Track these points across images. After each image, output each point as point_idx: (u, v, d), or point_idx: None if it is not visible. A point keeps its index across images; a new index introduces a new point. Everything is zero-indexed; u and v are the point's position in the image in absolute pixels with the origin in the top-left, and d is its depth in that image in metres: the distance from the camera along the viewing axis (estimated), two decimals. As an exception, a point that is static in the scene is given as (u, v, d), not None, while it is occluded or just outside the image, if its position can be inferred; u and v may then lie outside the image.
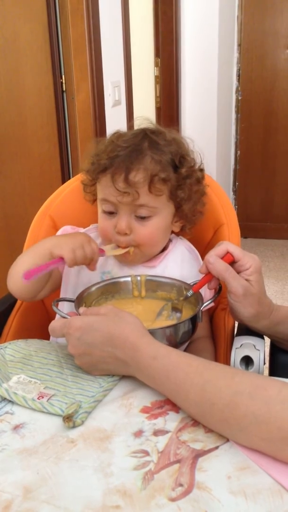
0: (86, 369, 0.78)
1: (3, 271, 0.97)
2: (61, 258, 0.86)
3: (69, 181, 1.18)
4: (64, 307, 0.98)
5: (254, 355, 0.85)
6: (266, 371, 0.92)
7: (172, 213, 0.97)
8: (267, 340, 0.94)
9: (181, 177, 0.93)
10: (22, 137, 1.88)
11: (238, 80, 3.50)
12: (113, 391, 0.75)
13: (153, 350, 0.71)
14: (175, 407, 0.70)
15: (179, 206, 0.96)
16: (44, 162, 1.99)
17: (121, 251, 0.93)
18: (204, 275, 0.87)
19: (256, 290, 0.85)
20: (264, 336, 0.92)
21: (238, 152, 3.65)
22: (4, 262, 1.11)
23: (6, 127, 1.79)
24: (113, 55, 2.11)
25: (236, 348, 0.87)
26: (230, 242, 0.87)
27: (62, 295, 1.01)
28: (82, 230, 1.05)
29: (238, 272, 0.85)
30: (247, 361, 0.86)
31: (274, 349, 0.96)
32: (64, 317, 0.82)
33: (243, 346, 0.87)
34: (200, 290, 0.91)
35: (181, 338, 0.85)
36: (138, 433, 0.66)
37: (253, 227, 3.69)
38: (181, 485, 0.57)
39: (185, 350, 0.99)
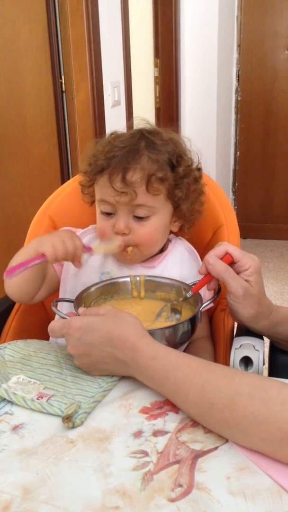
0: (86, 370, 0.78)
1: (3, 271, 0.97)
2: (43, 255, 0.86)
3: (68, 181, 1.18)
4: (63, 308, 0.98)
5: (253, 356, 0.85)
6: (266, 372, 0.92)
7: (170, 213, 0.97)
8: (267, 341, 0.94)
9: (178, 176, 0.94)
10: (22, 137, 1.88)
11: (238, 81, 3.50)
12: (112, 391, 0.75)
13: (153, 351, 0.71)
14: (175, 408, 0.70)
15: (177, 205, 0.96)
16: (44, 162, 1.99)
17: (110, 248, 0.92)
18: (203, 276, 0.87)
19: (255, 290, 0.85)
20: (264, 336, 0.92)
21: (238, 152, 3.65)
22: (3, 262, 1.11)
23: (5, 127, 1.79)
24: (112, 55, 2.11)
25: (236, 349, 0.87)
26: (229, 243, 0.87)
27: (60, 296, 1.01)
28: (80, 231, 1.05)
29: (238, 273, 0.85)
30: (246, 361, 0.86)
31: (274, 349, 0.96)
32: (63, 318, 0.82)
33: (243, 346, 0.87)
34: (199, 291, 0.91)
35: (180, 339, 0.85)
36: (138, 434, 0.66)
37: (252, 227, 3.69)
38: (180, 485, 0.57)
39: (185, 351, 0.99)
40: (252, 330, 0.90)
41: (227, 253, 0.85)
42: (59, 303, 0.97)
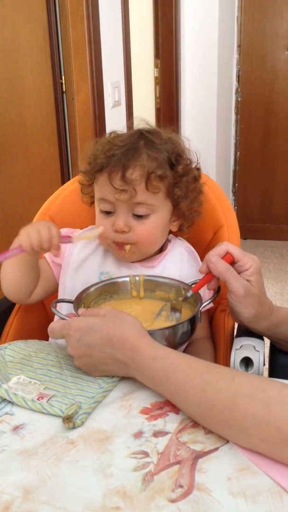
0: (86, 370, 0.78)
1: (3, 271, 0.97)
2: (21, 246, 0.86)
3: (69, 182, 1.18)
4: (63, 308, 0.98)
5: (254, 356, 0.85)
6: (266, 373, 0.92)
7: (169, 211, 0.97)
8: (267, 341, 0.94)
9: (177, 175, 0.94)
10: (22, 137, 1.88)
11: (238, 81, 3.50)
12: (113, 392, 0.75)
13: (153, 351, 0.71)
14: (175, 408, 0.70)
15: (176, 204, 0.96)
16: (44, 162, 1.99)
17: (89, 236, 0.91)
18: (204, 275, 0.87)
19: (256, 290, 0.85)
20: (264, 337, 0.92)
21: (238, 153, 3.65)
22: (3, 263, 1.11)
23: (6, 127, 1.79)
24: (113, 56, 2.12)
25: (236, 349, 0.87)
26: (230, 243, 0.87)
27: (60, 296, 1.01)
28: (79, 231, 1.05)
29: (238, 273, 0.85)
30: (246, 362, 0.86)
31: (274, 350, 0.96)
32: (63, 319, 0.82)
33: (243, 347, 0.87)
34: (199, 291, 0.91)
35: (180, 339, 0.85)
36: (138, 434, 0.66)
37: (252, 228, 3.69)
38: (181, 486, 0.57)
39: (185, 351, 0.99)
40: (253, 331, 0.90)
41: (227, 252, 0.85)
42: (58, 304, 0.97)
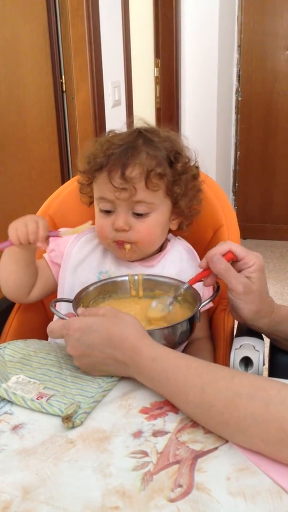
0: (85, 370, 0.78)
1: (3, 271, 0.97)
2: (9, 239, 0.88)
3: (69, 181, 1.18)
4: (62, 308, 0.98)
5: (253, 356, 0.85)
6: (266, 372, 0.92)
7: (169, 210, 0.97)
8: (267, 341, 0.94)
9: (176, 172, 0.94)
10: (22, 137, 1.88)
11: (238, 81, 3.50)
12: (112, 391, 0.75)
13: (153, 352, 0.71)
14: (175, 408, 0.70)
15: (175, 202, 0.96)
16: (44, 162, 1.99)
17: (79, 230, 0.91)
18: (202, 270, 0.87)
19: (256, 286, 0.85)
20: (264, 337, 0.92)
21: (238, 153, 3.65)
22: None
23: (6, 127, 1.79)
24: (113, 55, 2.11)
25: (236, 349, 0.87)
26: (233, 243, 0.88)
27: (59, 295, 1.01)
28: None
29: (241, 270, 0.86)
30: (246, 362, 0.86)
31: (274, 350, 0.96)
32: (62, 318, 0.82)
33: (243, 347, 0.87)
34: (198, 290, 0.91)
35: (179, 338, 0.85)
36: (137, 434, 0.66)
37: (252, 228, 3.69)
38: (180, 486, 0.57)
39: (184, 351, 0.99)
40: (254, 328, 0.90)
41: (229, 250, 0.85)
42: (57, 303, 0.97)
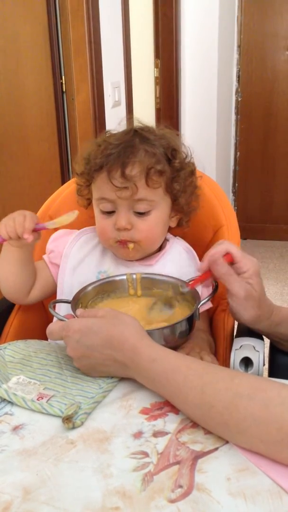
0: (85, 371, 0.78)
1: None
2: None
3: (69, 182, 1.18)
4: (61, 309, 0.98)
5: (253, 357, 0.85)
6: (266, 373, 0.92)
7: (169, 207, 0.97)
8: (267, 342, 0.94)
9: (175, 169, 0.95)
10: (22, 138, 1.88)
11: (238, 82, 3.50)
12: (112, 392, 0.75)
13: (153, 353, 0.71)
14: (175, 409, 0.70)
15: (175, 199, 0.97)
16: (44, 163, 1.99)
17: (66, 221, 0.90)
18: (201, 273, 0.87)
19: (257, 293, 0.85)
20: (264, 337, 0.92)
21: (238, 153, 3.65)
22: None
23: (6, 128, 1.79)
24: (113, 56, 2.12)
25: (236, 350, 0.87)
26: (230, 243, 0.87)
27: (58, 296, 1.01)
28: (76, 232, 1.05)
29: (238, 273, 0.85)
30: (246, 362, 0.86)
31: (274, 350, 0.96)
32: (61, 320, 0.82)
33: (243, 347, 0.87)
34: (197, 289, 0.91)
35: (179, 338, 0.85)
36: (138, 434, 0.66)
37: (252, 228, 3.69)
38: (180, 486, 0.57)
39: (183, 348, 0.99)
40: (253, 330, 0.90)
41: (227, 252, 0.85)
42: (57, 304, 0.97)
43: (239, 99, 3.53)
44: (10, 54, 1.77)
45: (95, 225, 1.01)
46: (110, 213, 0.94)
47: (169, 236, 1.05)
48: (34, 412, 0.71)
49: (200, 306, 0.88)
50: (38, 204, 1.16)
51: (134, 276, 0.96)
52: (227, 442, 0.64)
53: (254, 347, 0.87)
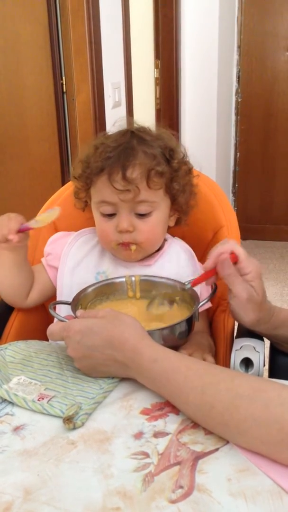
0: (86, 372, 0.78)
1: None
2: None
3: (69, 183, 1.17)
4: (61, 310, 0.98)
5: (254, 357, 0.85)
6: (266, 373, 0.93)
7: (168, 207, 0.98)
8: (267, 342, 0.94)
9: (173, 169, 0.95)
10: (22, 138, 1.88)
11: (238, 82, 3.50)
12: (113, 392, 0.75)
13: (153, 353, 0.71)
14: (175, 409, 0.70)
15: (174, 198, 0.97)
16: (44, 163, 2.00)
17: (49, 219, 0.90)
18: (206, 271, 0.87)
19: (259, 296, 0.84)
20: (264, 338, 0.92)
21: (238, 154, 3.65)
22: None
23: (6, 128, 1.79)
24: (113, 56, 2.12)
25: (236, 350, 0.87)
26: (235, 242, 0.86)
27: (58, 297, 1.01)
28: (74, 233, 1.05)
29: (240, 273, 0.85)
30: (246, 363, 0.86)
31: (274, 351, 0.96)
32: (61, 321, 0.82)
33: (243, 348, 0.87)
34: (196, 289, 0.91)
35: (178, 338, 0.85)
36: (138, 435, 0.66)
37: (252, 229, 3.69)
38: (181, 487, 0.57)
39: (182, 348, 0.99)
40: (253, 332, 0.90)
41: (232, 252, 0.84)
42: (58, 305, 0.97)
43: (239, 100, 3.53)
44: (10, 54, 1.77)
45: (93, 226, 1.01)
46: (110, 215, 0.94)
47: (168, 236, 1.06)
48: (35, 412, 0.71)
49: (200, 306, 0.88)
50: (38, 204, 1.16)
51: (133, 278, 0.96)
52: (227, 442, 0.64)
53: (254, 348, 0.87)
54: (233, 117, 3.58)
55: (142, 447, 0.64)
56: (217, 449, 0.63)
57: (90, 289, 0.94)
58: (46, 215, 0.90)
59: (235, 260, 0.84)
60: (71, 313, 0.85)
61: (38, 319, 1.12)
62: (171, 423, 0.68)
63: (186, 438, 0.65)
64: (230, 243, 0.85)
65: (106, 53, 2.01)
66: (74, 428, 0.67)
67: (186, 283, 0.90)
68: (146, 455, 0.62)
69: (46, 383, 0.77)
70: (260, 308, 0.85)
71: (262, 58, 3.42)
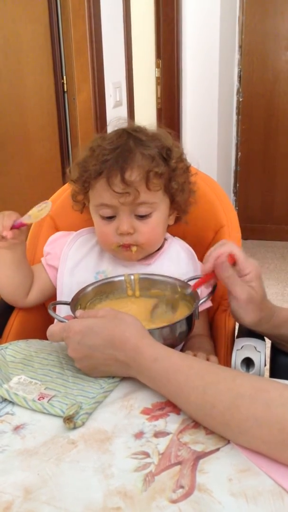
0: (87, 372, 0.77)
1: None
2: None
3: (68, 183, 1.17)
4: (62, 310, 0.98)
5: (255, 357, 0.85)
6: (267, 373, 0.92)
7: (168, 206, 0.97)
8: (268, 342, 0.94)
9: (171, 169, 0.94)
10: (23, 138, 1.88)
11: (239, 82, 3.50)
12: (113, 392, 0.75)
13: (154, 352, 0.71)
14: (176, 409, 0.70)
15: (173, 197, 0.96)
16: (45, 163, 2.00)
17: (42, 215, 0.90)
18: (205, 273, 0.87)
19: (258, 297, 0.84)
20: (265, 337, 0.92)
21: (239, 153, 3.65)
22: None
23: (7, 127, 1.79)
24: (114, 56, 2.12)
25: (237, 350, 0.87)
26: (234, 244, 0.87)
27: (58, 297, 1.01)
28: (73, 233, 1.05)
29: (239, 275, 0.85)
30: (247, 363, 0.86)
31: (275, 350, 0.96)
32: (61, 321, 0.82)
33: (244, 348, 0.87)
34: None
35: (178, 337, 0.85)
36: (139, 435, 0.66)
37: (253, 228, 3.68)
38: (182, 487, 0.57)
39: (183, 347, 0.99)
40: (254, 331, 0.90)
41: (230, 254, 0.84)
42: (58, 306, 0.97)
43: (240, 100, 3.53)
44: (11, 54, 1.77)
45: (91, 226, 1.01)
46: (110, 218, 0.93)
47: (168, 235, 1.05)
48: (35, 412, 0.71)
49: (200, 304, 0.87)
50: (39, 203, 1.16)
51: (132, 277, 0.96)
52: (228, 442, 0.64)
53: (255, 348, 0.87)
54: (234, 117, 3.58)
55: (143, 447, 0.63)
56: (218, 449, 0.63)
57: (89, 289, 0.93)
58: (37, 209, 0.90)
59: (233, 261, 0.84)
60: (71, 314, 0.85)
61: (39, 319, 1.11)
62: (171, 422, 0.68)
63: (187, 438, 0.65)
64: (227, 245, 0.86)
65: (107, 53, 2.01)
66: (74, 427, 0.67)
67: (187, 290, 0.90)
68: (147, 455, 0.62)
69: (47, 382, 0.77)
70: (261, 308, 0.85)
71: (264, 58, 3.42)
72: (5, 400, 0.74)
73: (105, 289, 0.95)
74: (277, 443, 0.59)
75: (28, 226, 0.96)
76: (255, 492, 0.56)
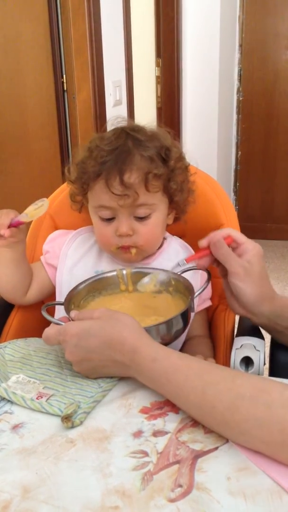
0: (86, 374, 0.77)
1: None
2: None
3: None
4: (61, 310, 0.98)
5: (254, 356, 0.85)
6: (267, 372, 0.92)
7: (167, 206, 0.97)
8: (267, 341, 0.94)
9: (170, 169, 0.93)
10: (23, 136, 1.88)
11: (239, 81, 3.49)
12: (112, 391, 0.75)
13: (153, 352, 0.70)
14: (175, 408, 0.70)
15: (172, 198, 0.96)
16: (45, 162, 2.00)
17: (40, 213, 0.90)
18: (201, 249, 0.89)
19: (256, 268, 0.86)
20: (264, 336, 0.92)
21: (239, 152, 3.65)
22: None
23: (7, 126, 1.79)
24: (114, 54, 2.11)
25: (236, 349, 0.87)
26: (233, 229, 0.90)
27: (57, 296, 1.01)
28: (73, 232, 1.05)
29: (240, 255, 0.87)
30: (247, 361, 0.86)
31: (275, 349, 0.95)
32: (56, 323, 0.81)
33: (243, 346, 0.87)
34: (191, 282, 0.90)
35: (175, 332, 0.84)
36: (138, 434, 0.66)
37: (253, 227, 3.68)
38: (180, 486, 0.57)
39: (182, 347, 0.98)
40: (255, 321, 0.89)
41: (229, 236, 0.87)
42: (57, 306, 0.97)
43: (241, 99, 3.53)
44: (11, 53, 1.77)
45: (90, 225, 1.00)
46: (109, 219, 0.93)
47: (167, 235, 1.05)
48: (34, 411, 0.71)
49: (199, 305, 0.87)
50: (38, 202, 1.16)
51: (124, 271, 0.95)
52: (227, 441, 0.64)
53: (254, 346, 0.87)
54: (235, 116, 3.58)
55: (141, 446, 0.63)
56: (216, 448, 0.63)
57: (81, 286, 0.92)
58: (34, 207, 0.90)
59: (230, 242, 0.87)
60: (65, 315, 0.84)
61: (38, 318, 1.11)
62: (170, 422, 0.68)
63: (185, 436, 0.65)
64: (228, 229, 0.89)
65: (107, 51, 2.00)
66: (72, 427, 0.67)
67: (181, 261, 0.92)
68: (145, 453, 0.62)
69: (45, 381, 0.77)
70: (261, 282, 0.86)
71: (264, 57, 3.41)
72: (3, 399, 0.74)
73: (97, 286, 0.95)
74: (277, 443, 0.59)
75: (27, 225, 0.95)
76: (254, 491, 0.56)
